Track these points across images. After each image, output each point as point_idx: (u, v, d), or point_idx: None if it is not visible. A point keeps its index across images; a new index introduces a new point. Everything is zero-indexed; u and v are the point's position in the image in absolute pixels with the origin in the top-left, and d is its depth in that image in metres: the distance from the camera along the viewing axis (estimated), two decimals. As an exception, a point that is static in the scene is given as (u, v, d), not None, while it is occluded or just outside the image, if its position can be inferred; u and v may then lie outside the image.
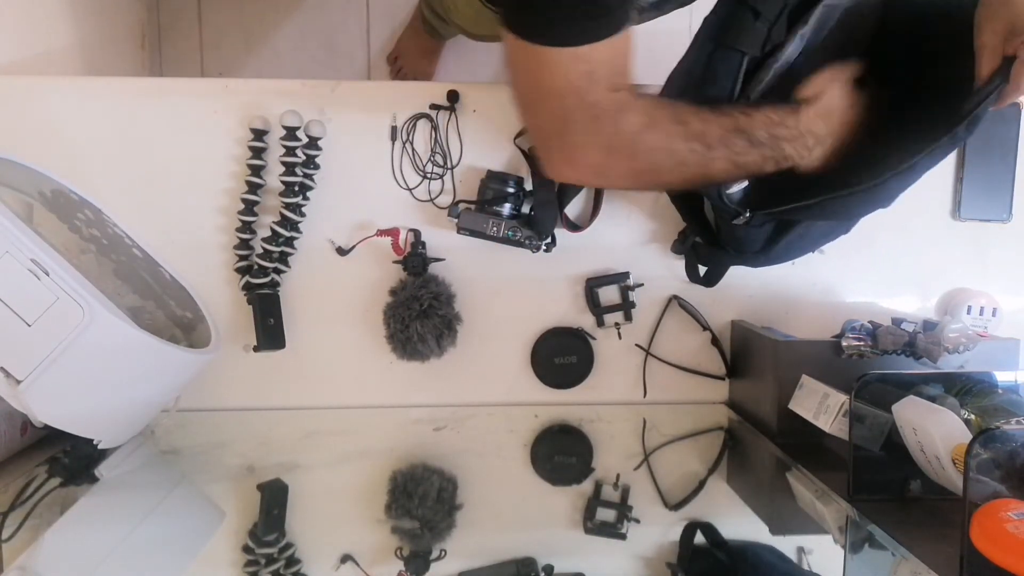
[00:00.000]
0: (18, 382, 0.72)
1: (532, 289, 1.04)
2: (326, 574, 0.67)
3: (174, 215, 0.99)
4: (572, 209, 1.02)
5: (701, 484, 0.88)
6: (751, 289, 1.06)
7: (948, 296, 1.09)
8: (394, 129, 1.00)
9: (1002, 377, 0.76)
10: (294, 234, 0.98)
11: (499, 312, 1.03)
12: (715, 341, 1.05)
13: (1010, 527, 0.55)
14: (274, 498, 0.82)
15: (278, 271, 0.98)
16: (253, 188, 0.97)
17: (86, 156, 0.97)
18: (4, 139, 0.96)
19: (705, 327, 1.05)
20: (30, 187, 0.91)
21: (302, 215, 0.98)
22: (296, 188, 0.97)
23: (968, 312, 1.06)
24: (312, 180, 0.98)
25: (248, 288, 0.98)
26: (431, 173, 1.01)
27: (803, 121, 0.75)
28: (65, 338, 0.72)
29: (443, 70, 1.61)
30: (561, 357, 1.03)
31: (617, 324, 1.04)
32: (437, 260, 1.01)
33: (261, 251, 0.98)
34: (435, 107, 1.00)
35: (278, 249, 0.98)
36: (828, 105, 0.77)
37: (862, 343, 0.90)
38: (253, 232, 0.98)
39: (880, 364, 0.89)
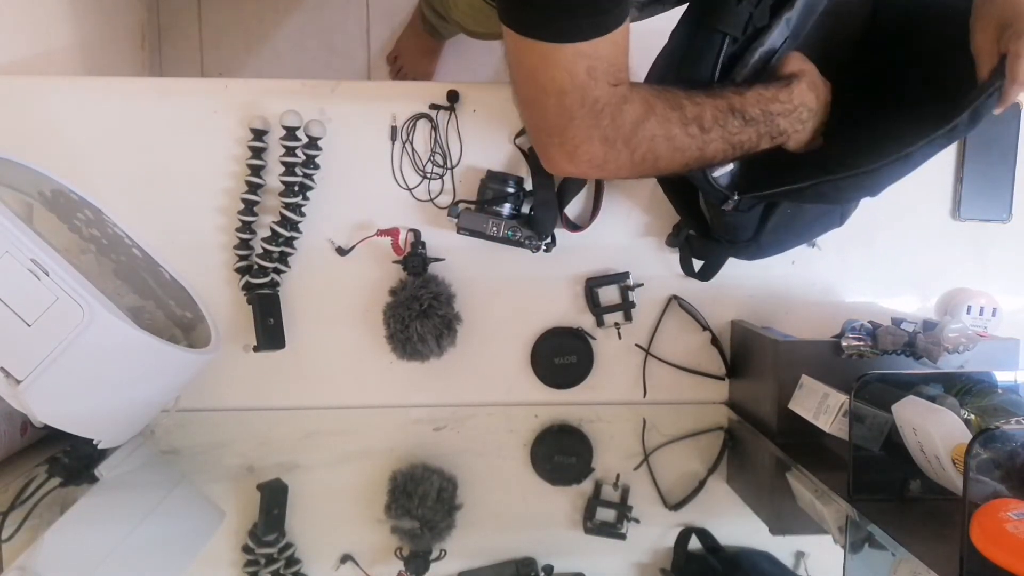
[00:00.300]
0: (18, 382, 0.72)
1: (532, 289, 1.04)
2: (326, 574, 0.67)
3: (174, 215, 0.99)
4: (572, 209, 1.02)
5: (701, 484, 0.88)
6: (751, 289, 1.06)
7: (948, 296, 1.09)
8: (394, 129, 1.00)
9: (1002, 377, 0.76)
10: (294, 234, 0.98)
11: (499, 312, 1.04)
12: (715, 341, 1.05)
13: (1010, 527, 0.55)
14: (274, 498, 0.82)
15: (278, 271, 0.98)
16: (253, 188, 0.97)
17: (86, 156, 0.97)
18: (4, 139, 0.96)
19: (705, 327, 1.05)
20: (30, 187, 0.91)
21: (302, 215, 0.98)
22: (296, 188, 0.97)
23: (968, 312, 1.06)
24: (312, 180, 0.98)
25: (248, 288, 0.98)
26: (431, 173, 1.01)
27: (796, 94, 0.76)
28: (65, 338, 0.72)
29: (443, 70, 1.61)
30: (561, 357, 1.03)
31: (617, 324, 1.04)
32: (437, 260, 1.01)
33: (261, 251, 0.98)
34: (435, 107, 1.00)
35: (278, 249, 0.98)
36: (814, 80, 0.78)
37: (862, 343, 0.90)
38: (253, 232, 0.98)
39: (880, 364, 0.89)
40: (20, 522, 0.74)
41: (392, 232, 0.99)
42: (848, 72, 0.82)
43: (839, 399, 0.79)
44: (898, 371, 0.82)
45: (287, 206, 0.97)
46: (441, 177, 1.01)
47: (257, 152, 0.97)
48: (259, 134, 0.96)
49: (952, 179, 1.07)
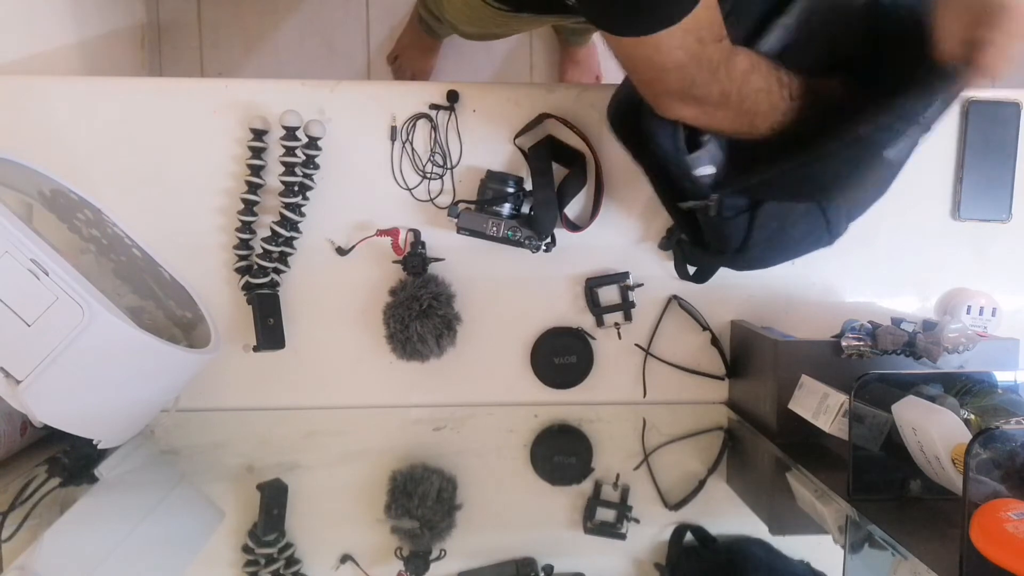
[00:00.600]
0: (18, 382, 0.72)
1: (532, 289, 1.04)
2: (326, 574, 0.67)
3: (174, 215, 0.99)
4: (572, 209, 1.02)
5: (701, 484, 0.88)
6: (751, 289, 1.06)
7: (948, 296, 1.08)
8: (394, 129, 1.00)
9: (1002, 377, 0.75)
10: (294, 234, 0.98)
11: (499, 312, 1.03)
12: (715, 341, 1.05)
13: (1009, 527, 0.55)
14: (274, 498, 0.82)
15: (278, 271, 0.99)
16: (253, 188, 0.97)
17: (86, 156, 0.97)
18: (4, 139, 0.96)
19: (705, 327, 1.05)
20: (30, 187, 0.91)
21: (302, 215, 0.98)
22: (296, 188, 0.97)
23: (968, 312, 1.05)
24: (312, 180, 0.98)
25: (248, 288, 0.98)
26: (431, 173, 1.01)
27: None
28: (65, 338, 0.72)
29: (443, 69, 1.61)
30: (561, 357, 1.03)
31: (617, 324, 1.04)
32: (437, 260, 1.01)
33: (261, 251, 0.98)
34: (435, 107, 1.00)
35: (278, 249, 0.98)
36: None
37: (862, 343, 0.90)
38: (253, 232, 0.98)
39: (880, 364, 0.89)
40: (20, 522, 0.74)
41: (392, 232, 0.99)
42: (855, 67, 0.82)
43: (839, 399, 0.79)
44: (898, 371, 0.82)
45: (287, 206, 0.97)
46: (441, 177, 1.01)
47: (257, 152, 0.97)
48: (259, 134, 0.96)
49: (952, 179, 1.06)
